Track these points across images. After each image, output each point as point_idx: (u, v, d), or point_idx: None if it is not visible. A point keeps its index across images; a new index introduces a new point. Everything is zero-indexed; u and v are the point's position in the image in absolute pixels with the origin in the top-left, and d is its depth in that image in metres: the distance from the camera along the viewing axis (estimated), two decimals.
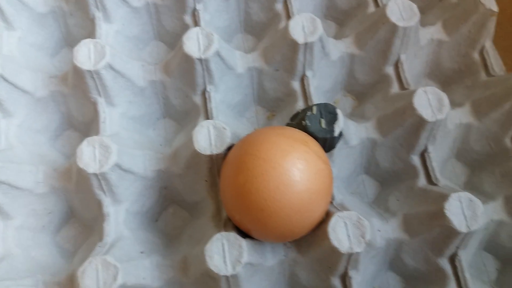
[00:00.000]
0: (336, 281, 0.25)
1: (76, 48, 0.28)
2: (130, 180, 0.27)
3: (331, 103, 0.27)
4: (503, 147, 0.29)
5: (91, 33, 0.32)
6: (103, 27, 0.32)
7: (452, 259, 0.25)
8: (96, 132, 0.29)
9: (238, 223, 0.24)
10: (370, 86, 0.32)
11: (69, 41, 0.34)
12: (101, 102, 0.29)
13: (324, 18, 0.36)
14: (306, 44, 0.28)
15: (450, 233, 0.24)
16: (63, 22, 0.33)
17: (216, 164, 0.26)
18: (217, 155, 0.26)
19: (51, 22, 0.33)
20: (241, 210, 0.23)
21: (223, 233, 0.24)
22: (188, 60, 0.28)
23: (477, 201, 0.24)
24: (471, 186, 0.30)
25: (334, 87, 0.33)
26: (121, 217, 0.27)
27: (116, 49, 0.30)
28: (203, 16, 0.32)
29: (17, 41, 0.32)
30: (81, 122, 0.32)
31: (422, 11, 0.35)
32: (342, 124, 0.27)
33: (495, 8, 0.30)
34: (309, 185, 0.23)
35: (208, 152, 0.26)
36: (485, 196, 0.28)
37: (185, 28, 0.33)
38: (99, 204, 0.27)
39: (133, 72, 0.30)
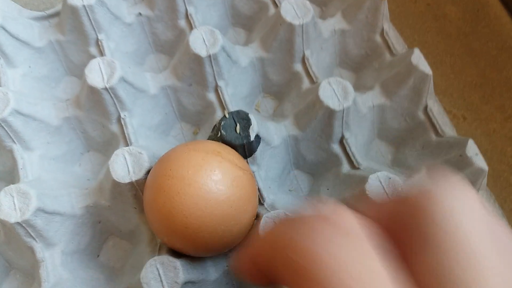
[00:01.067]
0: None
1: None
2: (59, 221, 0.27)
3: (242, 110, 0.28)
4: (417, 120, 0.30)
5: None
6: (7, 73, 0.31)
7: None
8: (18, 180, 0.29)
9: (169, 245, 0.25)
10: (284, 85, 0.33)
11: None
12: (17, 149, 0.29)
13: (232, 26, 0.36)
14: (209, 56, 0.29)
15: None
16: None
17: (140, 189, 0.26)
18: (137, 181, 0.26)
19: None
20: (167, 231, 0.23)
21: (156, 258, 0.24)
22: (94, 91, 0.28)
23: (395, 178, 0.25)
24: (397, 162, 0.31)
25: (253, 91, 0.33)
26: (57, 260, 0.27)
27: (22, 93, 0.30)
28: (107, 45, 0.32)
29: None
30: (2, 171, 0.31)
31: (324, 4, 0.36)
32: (256, 128, 0.27)
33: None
34: (228, 194, 0.23)
35: (127, 180, 0.26)
36: (410, 170, 0.29)
37: (92, 59, 0.32)
38: (32, 251, 0.26)
39: (44, 112, 0.30)
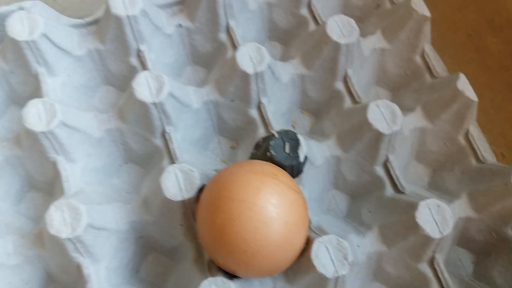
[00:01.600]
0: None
1: (25, 110, 0.27)
2: (104, 237, 0.27)
3: (291, 129, 0.28)
4: (458, 145, 0.31)
5: (36, 89, 0.31)
6: (48, 82, 0.31)
7: (431, 262, 0.27)
8: (61, 192, 0.28)
9: (222, 265, 0.25)
10: (324, 102, 0.33)
11: (15, 99, 0.33)
12: (60, 161, 0.29)
13: (268, 40, 0.36)
14: (256, 73, 0.29)
15: (425, 240, 0.25)
16: (5, 81, 0.32)
17: (189, 207, 0.26)
18: (189, 199, 0.26)
19: None
20: (223, 253, 0.24)
21: (210, 279, 0.24)
22: (142, 105, 0.28)
23: (444, 206, 0.26)
24: (434, 186, 0.32)
25: (290, 108, 0.33)
26: (102, 276, 0.27)
27: (66, 103, 0.29)
28: (149, 56, 0.32)
29: None
30: (42, 181, 0.30)
31: (361, 20, 0.36)
32: (305, 149, 0.27)
33: (427, 13, 0.32)
34: (286, 219, 0.23)
35: (179, 198, 0.26)
36: (449, 194, 0.30)
37: (132, 69, 0.32)
38: (78, 267, 0.26)
39: (87, 124, 0.29)
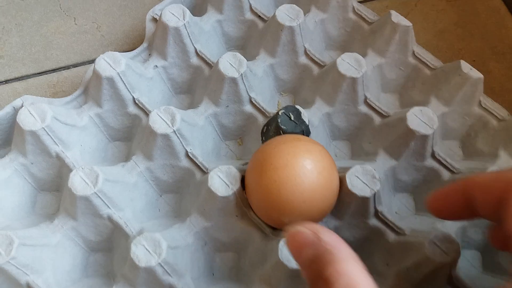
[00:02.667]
0: (374, 221, 0.32)
1: (70, 182, 0.31)
2: (180, 253, 0.31)
3: (290, 104, 0.33)
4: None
5: (60, 167, 0.34)
6: (69, 156, 0.34)
7: (434, 156, 0.33)
8: (126, 238, 0.32)
9: (275, 222, 0.30)
10: (296, 79, 0.39)
11: (41, 187, 0.36)
12: (113, 213, 0.32)
13: (227, 50, 0.42)
14: (241, 75, 0.34)
15: (422, 139, 0.32)
16: (28, 175, 0.35)
17: (239, 197, 0.31)
18: (237, 190, 0.30)
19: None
20: (274, 211, 0.29)
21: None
22: (163, 137, 0.32)
23: (425, 109, 0.33)
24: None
25: (272, 94, 0.39)
26: (191, 286, 0.31)
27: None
28: (144, 100, 0.36)
29: None
30: (100, 241, 0.34)
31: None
32: (306, 114, 0.33)
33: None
34: (319, 169, 0.28)
35: (230, 192, 0.30)
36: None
37: (133, 118, 0.36)
38: (170, 287, 0.30)
39: (121, 174, 0.33)
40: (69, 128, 0.35)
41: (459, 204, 0.25)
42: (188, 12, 0.36)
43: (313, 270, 0.20)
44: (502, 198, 0.22)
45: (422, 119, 0.32)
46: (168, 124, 0.32)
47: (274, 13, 0.36)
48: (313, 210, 0.29)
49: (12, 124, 0.36)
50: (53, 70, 0.43)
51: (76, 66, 0.43)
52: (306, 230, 0.21)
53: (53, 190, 0.36)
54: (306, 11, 0.40)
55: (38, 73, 0.43)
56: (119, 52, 0.35)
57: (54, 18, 0.45)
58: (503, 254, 0.32)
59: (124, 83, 0.35)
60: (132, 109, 0.36)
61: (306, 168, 0.28)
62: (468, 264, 0.33)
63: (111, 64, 0.34)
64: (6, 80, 0.42)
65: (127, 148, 0.38)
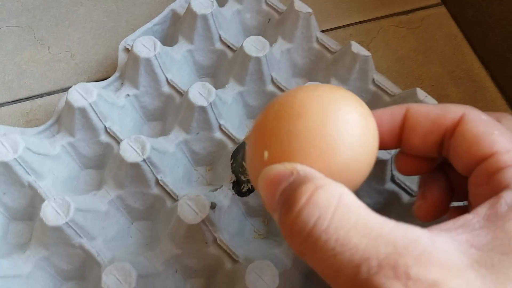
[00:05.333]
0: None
1: (43, 212, 0.31)
2: (151, 283, 0.31)
3: None
4: (371, 92, 0.40)
5: (33, 197, 0.35)
6: (41, 186, 0.34)
7: (393, 180, 0.35)
8: (98, 266, 0.33)
9: None
10: (264, 106, 0.40)
11: (13, 216, 0.36)
12: (85, 242, 0.33)
13: (199, 78, 0.43)
14: (210, 103, 0.35)
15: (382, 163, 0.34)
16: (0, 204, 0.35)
17: (207, 224, 0.32)
18: (206, 217, 0.31)
19: None
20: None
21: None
22: (134, 166, 0.33)
23: None
24: None
25: (241, 121, 0.40)
26: None
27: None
28: (115, 128, 0.37)
29: None
30: (72, 269, 0.34)
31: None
32: None
33: (309, 9, 0.40)
34: (361, 134, 0.20)
35: (199, 220, 0.31)
36: None
37: (105, 146, 0.37)
38: None
39: (92, 202, 0.34)
40: (41, 158, 0.35)
41: (394, 130, 0.23)
42: (159, 43, 0.38)
43: (283, 200, 0.17)
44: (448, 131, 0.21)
45: None
46: (138, 153, 0.33)
47: (242, 44, 0.38)
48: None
49: None
50: (27, 98, 0.43)
51: (50, 94, 0.43)
52: (283, 166, 0.18)
53: (25, 219, 0.37)
54: (273, 41, 0.42)
55: (11, 101, 0.43)
56: (92, 80, 0.37)
57: (28, 47, 0.46)
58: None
59: (96, 113, 0.36)
60: (104, 137, 0.37)
61: (343, 130, 0.20)
62: None
63: (83, 94, 0.35)
64: None
65: (99, 175, 0.39)
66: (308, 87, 0.21)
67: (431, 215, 0.24)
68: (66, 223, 0.31)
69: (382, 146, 0.23)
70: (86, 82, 0.36)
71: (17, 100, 0.43)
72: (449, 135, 0.22)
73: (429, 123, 0.22)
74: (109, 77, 0.40)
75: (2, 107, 0.43)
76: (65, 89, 0.43)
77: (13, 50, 0.46)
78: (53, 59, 0.45)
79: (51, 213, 0.31)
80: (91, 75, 0.44)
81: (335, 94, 0.21)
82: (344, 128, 0.19)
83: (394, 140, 0.23)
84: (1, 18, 0.47)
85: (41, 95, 0.43)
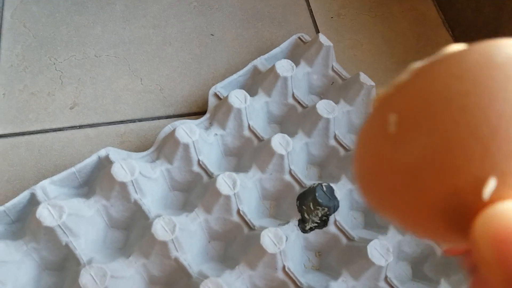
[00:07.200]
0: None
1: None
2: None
3: (325, 183, 0.43)
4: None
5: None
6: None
7: None
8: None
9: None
10: (323, 156, 0.49)
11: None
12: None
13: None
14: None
15: None
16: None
17: (282, 254, 0.40)
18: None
19: None
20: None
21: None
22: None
23: None
24: None
25: (303, 165, 0.48)
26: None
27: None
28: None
29: None
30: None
31: (323, 93, 0.52)
32: (338, 191, 0.42)
33: (372, 83, 0.49)
34: None
35: (278, 251, 0.39)
36: None
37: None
38: None
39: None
40: (146, 180, 0.43)
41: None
42: (248, 97, 0.46)
43: None
44: None
45: None
46: (230, 188, 0.41)
47: (315, 105, 0.46)
48: None
49: (94, 169, 0.44)
50: (121, 122, 0.51)
51: (141, 121, 0.51)
52: None
53: (122, 228, 0.44)
54: (333, 100, 0.50)
55: (107, 123, 0.51)
56: (178, 113, 0.44)
57: (124, 76, 0.53)
58: (429, 264, 0.44)
59: (195, 148, 0.43)
60: (195, 167, 0.45)
61: None
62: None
63: (188, 133, 0.43)
64: (80, 125, 0.50)
65: (184, 197, 0.46)
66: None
67: None
68: (172, 240, 0.39)
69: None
70: (173, 114, 0.44)
71: (113, 122, 0.51)
72: None
73: None
74: (193, 112, 0.48)
75: (100, 127, 0.50)
76: (155, 118, 0.51)
77: (110, 77, 0.53)
78: (145, 90, 0.53)
79: (160, 230, 0.39)
80: (177, 108, 0.52)
81: None
82: None
83: None
84: (100, 48, 0.55)
85: (133, 121, 0.51)
